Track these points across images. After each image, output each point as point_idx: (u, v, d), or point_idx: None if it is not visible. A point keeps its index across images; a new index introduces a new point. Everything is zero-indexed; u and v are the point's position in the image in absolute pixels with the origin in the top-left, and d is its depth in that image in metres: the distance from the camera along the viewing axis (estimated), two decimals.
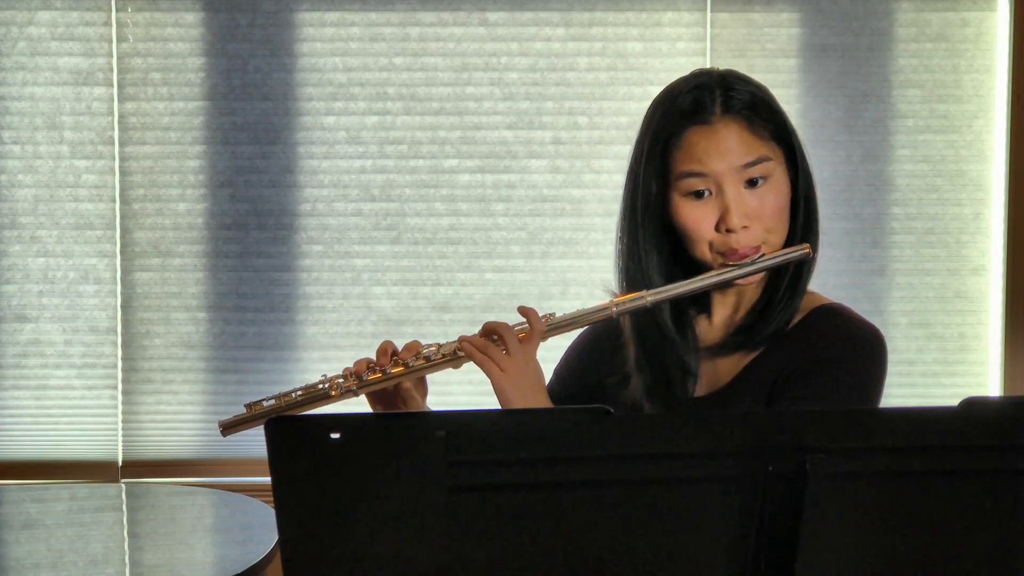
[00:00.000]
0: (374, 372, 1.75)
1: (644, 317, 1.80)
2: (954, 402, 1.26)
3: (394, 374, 1.74)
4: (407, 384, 1.78)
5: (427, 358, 1.75)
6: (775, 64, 3.40)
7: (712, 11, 3.40)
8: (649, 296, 1.74)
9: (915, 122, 3.43)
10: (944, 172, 3.44)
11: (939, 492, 1.29)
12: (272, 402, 1.76)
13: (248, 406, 1.76)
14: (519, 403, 1.69)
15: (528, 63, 3.43)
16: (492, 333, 1.73)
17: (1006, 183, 3.41)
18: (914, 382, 3.44)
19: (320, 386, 1.75)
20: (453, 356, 1.74)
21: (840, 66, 3.42)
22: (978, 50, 3.42)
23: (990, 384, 3.46)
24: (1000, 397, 3.08)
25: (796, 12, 3.42)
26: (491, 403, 1.74)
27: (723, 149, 1.71)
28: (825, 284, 3.60)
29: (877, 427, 1.29)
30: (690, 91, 1.75)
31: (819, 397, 1.70)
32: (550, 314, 1.76)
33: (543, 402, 1.72)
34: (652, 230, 1.77)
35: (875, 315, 3.38)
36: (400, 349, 1.76)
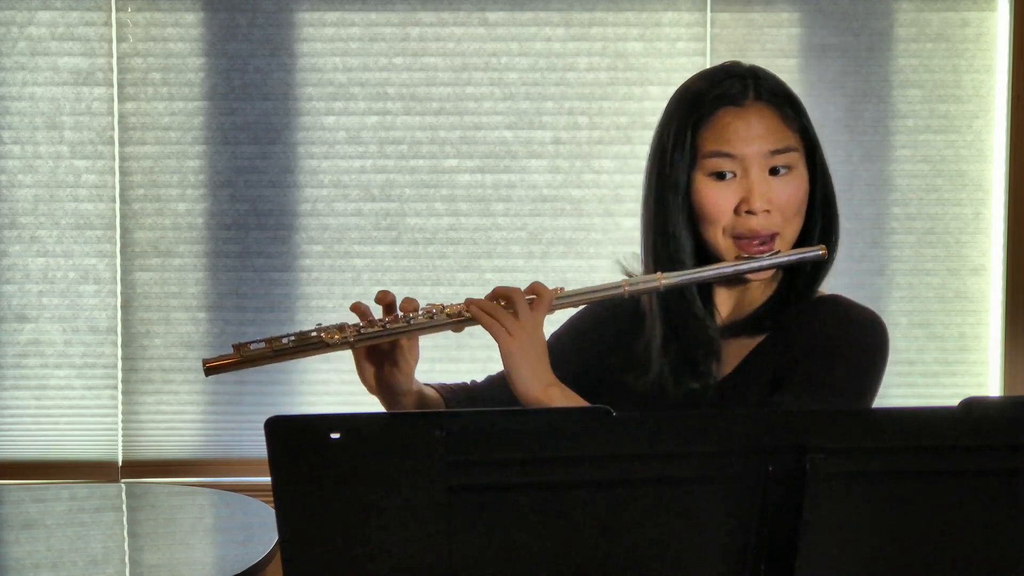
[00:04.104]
0: (373, 325, 1.69)
1: (674, 300, 1.78)
2: (954, 402, 1.26)
3: (394, 329, 1.69)
4: (403, 342, 1.72)
5: (430, 315, 1.70)
6: (775, 64, 3.38)
7: (712, 11, 3.40)
8: (663, 280, 1.74)
9: (915, 122, 3.43)
10: (944, 172, 3.44)
11: (939, 492, 1.29)
12: (262, 345, 1.69)
13: (236, 347, 1.70)
14: (524, 369, 1.66)
15: (528, 63, 3.43)
16: (502, 298, 1.71)
17: (1006, 183, 3.41)
18: (914, 382, 3.44)
19: (313, 334, 1.68)
20: (458, 317, 1.71)
21: (840, 66, 3.42)
22: (978, 50, 3.42)
23: (990, 384, 3.45)
24: (1000, 397, 3.08)
25: (796, 12, 3.42)
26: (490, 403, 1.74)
27: (753, 133, 1.73)
28: (825, 284, 3.59)
29: (877, 427, 1.29)
30: (722, 77, 1.76)
31: (821, 381, 1.71)
32: (560, 287, 1.75)
33: (546, 371, 1.68)
34: (681, 211, 1.77)
35: None
36: (401, 302, 1.71)
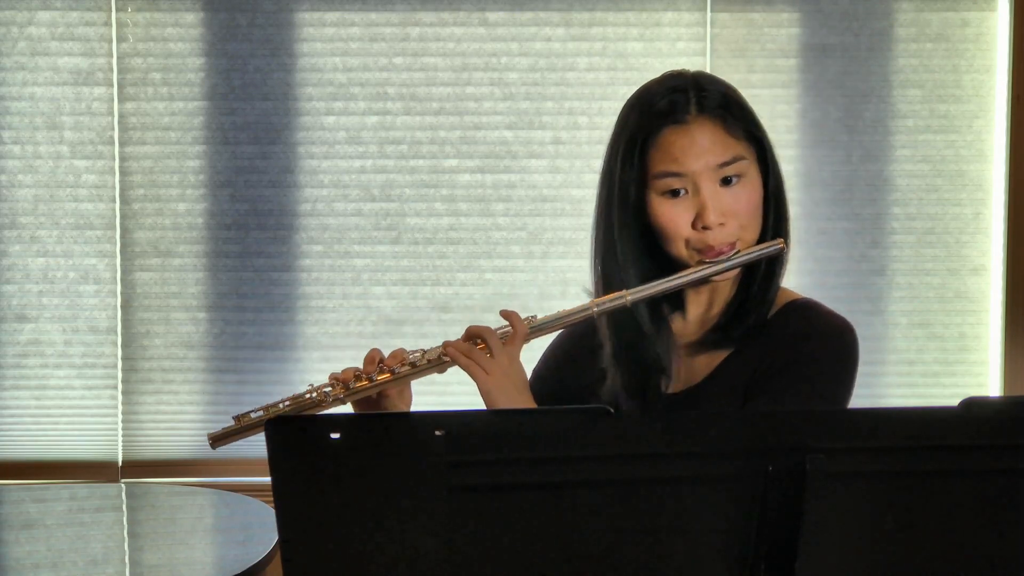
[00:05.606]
0: (361, 380, 1.78)
1: (622, 314, 1.82)
2: (954, 402, 1.26)
3: (380, 381, 1.77)
4: (391, 392, 1.81)
5: (412, 364, 1.78)
6: (775, 64, 3.40)
7: (712, 11, 3.40)
8: (629, 295, 1.78)
9: (915, 122, 3.43)
10: (944, 172, 3.44)
11: (939, 492, 1.29)
12: (260, 413, 1.80)
13: (236, 418, 1.82)
14: (504, 404, 1.72)
15: (528, 63, 3.43)
16: (475, 337, 1.76)
17: (1006, 183, 3.41)
18: (914, 382, 3.44)
19: (308, 396, 1.78)
20: (438, 361, 1.77)
21: (840, 66, 3.42)
22: (978, 50, 3.42)
23: (990, 384, 3.45)
24: (1000, 397, 3.08)
25: (796, 12, 3.42)
26: None
27: (699, 149, 1.75)
28: (825, 284, 3.60)
29: (877, 427, 1.29)
30: (665, 93, 1.80)
31: (796, 391, 1.72)
32: (532, 316, 1.80)
33: (527, 402, 1.75)
34: (630, 230, 1.80)
35: (875, 315, 3.39)
36: (387, 356, 1.79)
